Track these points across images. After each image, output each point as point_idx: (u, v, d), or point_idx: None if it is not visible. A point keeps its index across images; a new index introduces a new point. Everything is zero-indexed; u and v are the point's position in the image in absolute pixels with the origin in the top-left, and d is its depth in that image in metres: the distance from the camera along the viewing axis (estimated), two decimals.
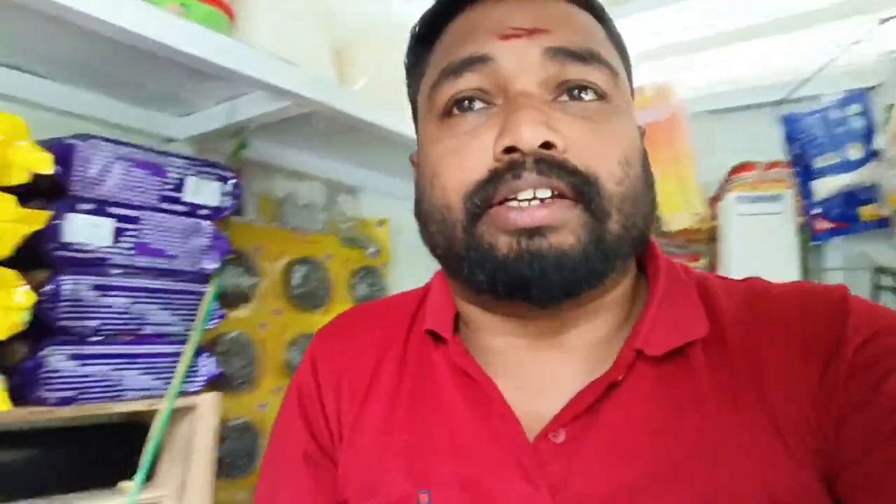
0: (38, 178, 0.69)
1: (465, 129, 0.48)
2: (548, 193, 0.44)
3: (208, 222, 0.87)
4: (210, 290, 0.87)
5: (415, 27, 0.56)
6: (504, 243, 0.45)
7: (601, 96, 0.48)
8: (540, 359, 0.50)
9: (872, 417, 0.43)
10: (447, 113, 0.49)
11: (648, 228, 0.51)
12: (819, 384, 0.45)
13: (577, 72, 0.47)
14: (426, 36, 0.54)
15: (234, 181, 0.88)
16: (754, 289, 0.52)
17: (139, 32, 0.68)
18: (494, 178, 0.45)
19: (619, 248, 0.47)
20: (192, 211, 0.85)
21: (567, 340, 0.50)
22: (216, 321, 0.88)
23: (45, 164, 0.68)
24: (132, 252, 0.79)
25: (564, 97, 0.47)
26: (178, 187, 0.84)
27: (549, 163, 0.44)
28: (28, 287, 0.67)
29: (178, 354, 0.83)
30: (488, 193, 0.45)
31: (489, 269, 0.45)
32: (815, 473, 0.44)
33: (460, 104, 0.49)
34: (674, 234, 1.25)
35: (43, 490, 0.75)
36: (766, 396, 0.46)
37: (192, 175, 0.85)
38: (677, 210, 1.21)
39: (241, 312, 1.10)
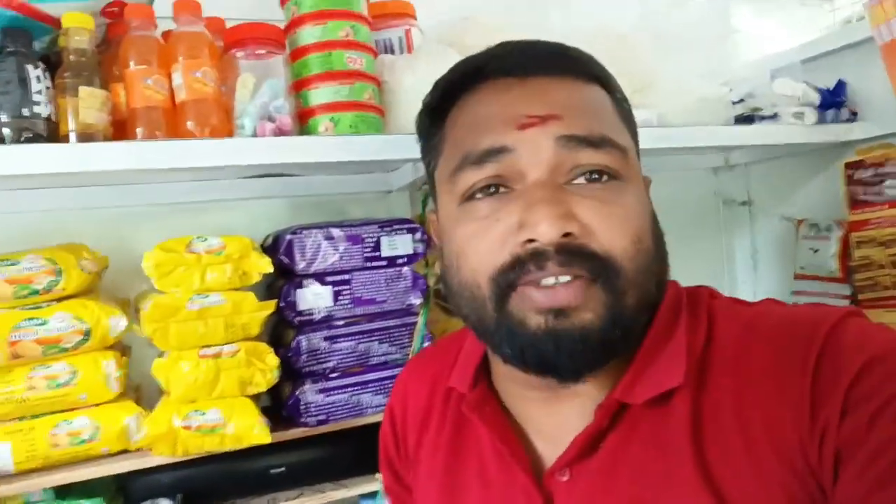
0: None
1: (485, 213, 0.52)
2: (568, 278, 0.49)
3: (406, 268, 1.06)
4: (419, 319, 1.07)
5: (427, 97, 0.60)
6: (534, 321, 0.50)
7: (614, 176, 0.51)
8: (553, 409, 0.56)
9: (867, 458, 0.43)
10: (468, 197, 0.54)
11: (662, 289, 0.54)
12: (810, 426, 0.46)
13: (589, 157, 0.51)
14: (440, 108, 0.58)
15: (420, 230, 1.05)
16: (754, 319, 0.53)
17: (303, 161, 0.87)
18: (518, 263, 0.50)
19: (636, 320, 0.52)
20: (392, 262, 1.05)
21: (576, 392, 0.55)
22: (428, 344, 1.08)
23: (268, 266, 0.96)
24: (350, 306, 1.03)
25: (580, 180, 0.51)
26: (377, 247, 1.04)
27: (569, 251, 0.49)
28: (273, 353, 0.96)
29: None
30: (512, 277, 0.50)
31: (519, 344, 0.51)
32: None
33: (481, 190, 0.53)
34: None
35: (322, 478, 1.07)
36: (749, 440, 0.48)
37: (384, 235, 1.05)
38: None
39: None
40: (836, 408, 0.45)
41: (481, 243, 0.52)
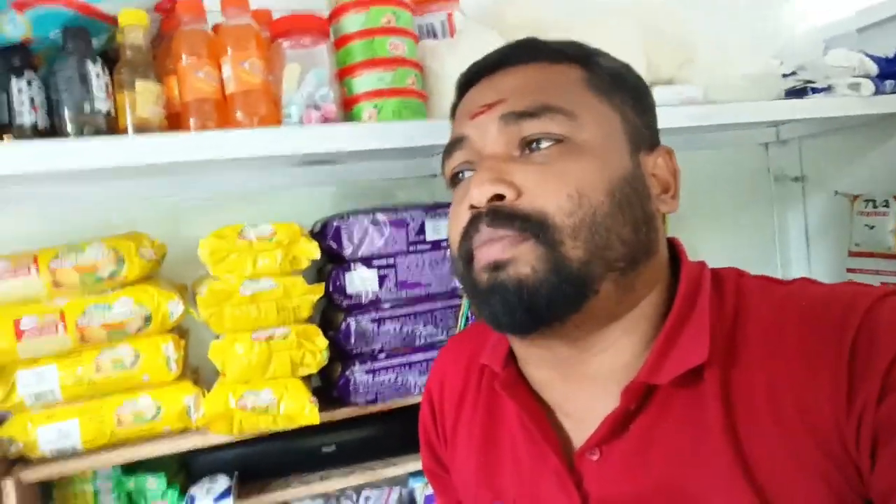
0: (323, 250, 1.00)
1: (459, 194, 0.59)
2: (503, 235, 0.53)
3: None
4: (463, 302, 1.09)
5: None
6: (483, 278, 0.54)
7: (559, 140, 0.54)
8: (576, 388, 0.58)
9: None
10: (452, 182, 0.62)
11: (637, 247, 0.54)
12: (847, 409, 0.46)
13: (530, 127, 0.55)
14: (454, 117, 0.66)
15: None
16: (787, 298, 0.53)
17: (347, 149, 0.89)
18: (467, 230, 0.56)
19: (589, 272, 0.52)
20: (436, 245, 1.07)
21: (593, 369, 0.56)
22: (470, 325, 1.09)
23: (316, 252, 0.99)
24: (395, 289, 1.05)
25: (527, 150, 0.56)
26: (421, 231, 1.06)
27: (497, 213, 0.53)
28: (322, 335, 0.99)
29: None
30: (468, 244, 0.55)
31: (478, 303, 0.56)
32: (833, 496, 0.46)
33: (457, 175, 0.61)
34: None
35: (372, 457, 1.10)
36: (782, 421, 0.48)
37: (429, 219, 1.06)
38: None
39: None
40: (874, 391, 0.45)
41: (453, 219, 0.59)
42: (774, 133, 1.51)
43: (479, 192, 0.53)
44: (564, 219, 0.51)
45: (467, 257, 0.56)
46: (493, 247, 0.53)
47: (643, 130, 0.59)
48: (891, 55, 1.24)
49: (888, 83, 1.21)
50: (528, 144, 0.55)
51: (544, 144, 0.54)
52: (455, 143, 0.60)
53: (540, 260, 0.51)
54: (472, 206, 0.55)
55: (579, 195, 0.52)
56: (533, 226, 0.52)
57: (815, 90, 1.19)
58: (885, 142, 1.30)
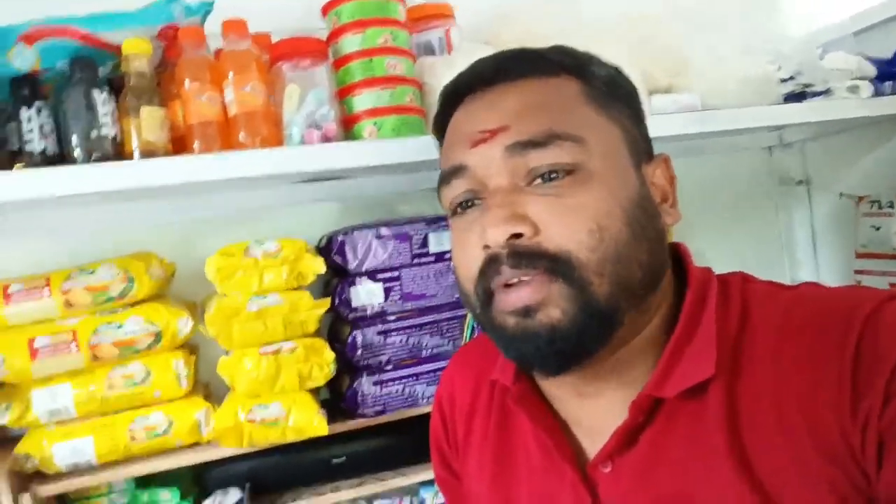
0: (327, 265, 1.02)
1: (463, 226, 0.57)
2: (528, 276, 0.52)
3: None
4: (468, 312, 1.10)
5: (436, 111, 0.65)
6: (510, 322, 0.53)
7: (569, 171, 0.53)
8: (588, 401, 0.58)
9: None
10: (453, 212, 0.59)
11: (654, 268, 0.54)
12: (852, 415, 0.46)
13: (539, 157, 0.53)
14: (439, 129, 0.64)
15: None
16: (792, 304, 0.53)
17: (348, 166, 0.91)
18: (484, 271, 0.54)
19: (616, 306, 0.52)
20: (440, 257, 1.09)
21: (606, 384, 0.57)
22: (477, 336, 1.11)
23: (321, 267, 1.01)
24: (400, 301, 1.07)
25: (537, 180, 0.54)
26: (424, 244, 1.08)
27: (520, 253, 0.52)
28: (329, 348, 1.01)
29: None
30: (486, 283, 0.54)
31: (504, 344, 0.56)
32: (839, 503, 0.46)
33: (458, 205, 0.58)
34: None
35: (382, 467, 1.12)
36: (787, 430, 0.48)
37: (431, 232, 1.08)
38: None
39: None
40: (879, 395, 0.45)
41: (462, 255, 0.57)
42: (777, 137, 1.51)
43: (495, 233, 0.52)
44: (589, 255, 0.51)
45: (485, 297, 0.55)
46: (522, 291, 0.52)
47: (640, 140, 0.59)
48: (889, 56, 1.25)
49: (887, 84, 1.21)
50: (539, 175, 0.54)
51: (555, 176, 0.53)
52: (454, 172, 0.57)
53: (570, 301, 0.51)
54: (487, 247, 0.53)
55: (600, 229, 0.51)
56: (560, 266, 0.51)
57: (813, 94, 1.19)
58: (886, 143, 1.30)
